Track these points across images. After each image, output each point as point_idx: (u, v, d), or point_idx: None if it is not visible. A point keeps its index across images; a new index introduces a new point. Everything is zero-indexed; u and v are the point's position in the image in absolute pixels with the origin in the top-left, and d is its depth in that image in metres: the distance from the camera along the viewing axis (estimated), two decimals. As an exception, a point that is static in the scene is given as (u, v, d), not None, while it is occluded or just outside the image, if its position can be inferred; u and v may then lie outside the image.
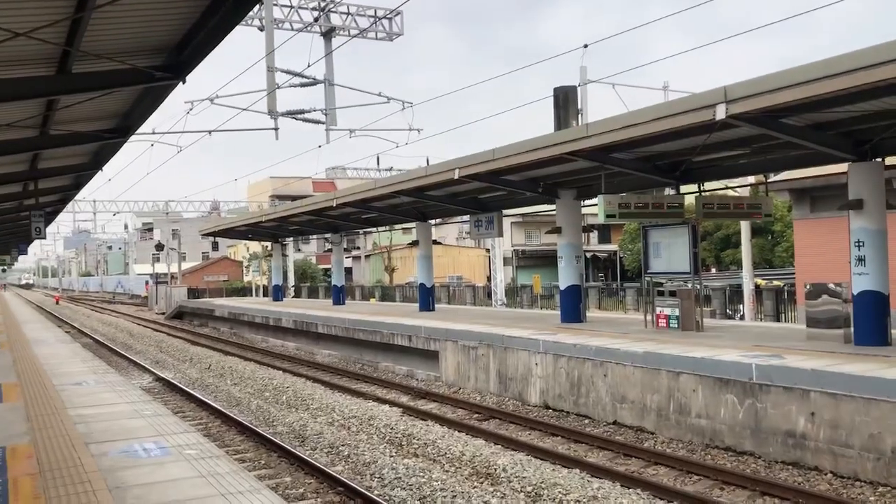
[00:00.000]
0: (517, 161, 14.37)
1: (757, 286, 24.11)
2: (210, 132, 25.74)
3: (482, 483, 9.11)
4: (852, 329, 11.68)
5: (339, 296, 30.39)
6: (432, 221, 24.84)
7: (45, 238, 19.84)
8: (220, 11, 6.56)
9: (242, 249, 66.23)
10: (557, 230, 17.19)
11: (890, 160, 12.24)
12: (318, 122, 27.94)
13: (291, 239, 39.60)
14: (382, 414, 13.04)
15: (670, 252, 15.07)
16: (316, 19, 27.28)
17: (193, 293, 51.43)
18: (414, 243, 24.47)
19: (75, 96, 8.93)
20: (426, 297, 23.98)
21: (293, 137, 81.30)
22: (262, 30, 25.87)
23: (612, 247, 53.31)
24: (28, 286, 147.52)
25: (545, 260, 48.58)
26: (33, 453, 7.51)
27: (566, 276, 17.16)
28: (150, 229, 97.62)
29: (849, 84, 8.72)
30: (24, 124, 10.03)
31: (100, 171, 15.73)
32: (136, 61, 7.86)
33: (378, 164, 43.48)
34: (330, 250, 32.17)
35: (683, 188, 15.69)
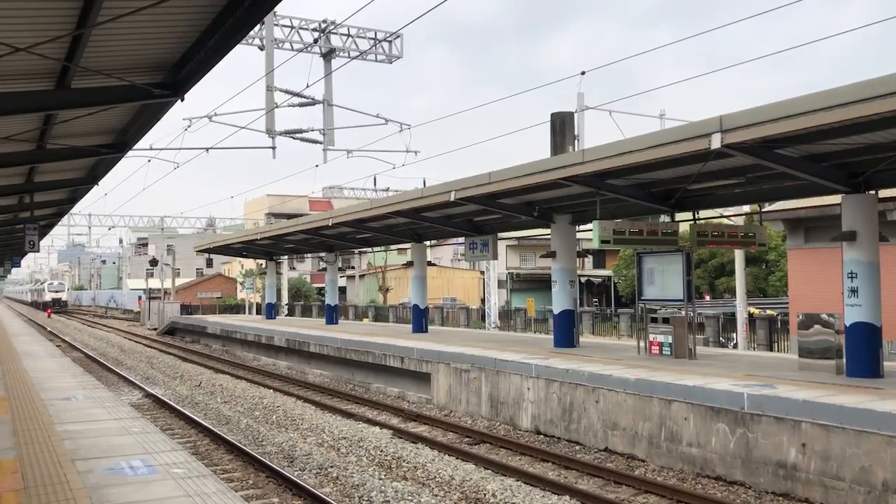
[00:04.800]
0: (513, 185, 14.42)
1: (750, 315, 24.16)
2: (207, 149, 25.81)
3: (471, 508, 9.04)
4: (844, 360, 11.69)
5: (332, 315, 30.30)
6: (427, 243, 24.85)
7: (38, 251, 19.75)
8: (219, 31, 6.59)
9: (237, 266, 66.07)
10: (552, 254, 17.22)
11: (883, 193, 12.31)
12: (315, 141, 28.07)
13: (286, 257, 39.58)
14: (372, 435, 12.96)
15: (664, 279, 15.09)
16: (316, 40, 27.45)
17: (186, 309, 51.21)
18: (408, 264, 24.49)
19: (73, 111, 8.95)
20: (419, 319, 23.94)
21: (291, 156, 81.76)
22: (262, 49, 26.04)
23: (607, 272, 53.29)
24: (60, 305, 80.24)
25: (540, 283, 48.55)
26: (18, 468, 7.44)
27: (560, 300, 17.17)
28: (145, 244, 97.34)
29: (844, 116, 8.78)
30: (21, 138, 10.04)
31: (96, 186, 15.73)
32: (134, 78, 7.89)
33: (375, 184, 43.68)
34: (324, 269, 32.08)
35: (678, 216, 15.75)
